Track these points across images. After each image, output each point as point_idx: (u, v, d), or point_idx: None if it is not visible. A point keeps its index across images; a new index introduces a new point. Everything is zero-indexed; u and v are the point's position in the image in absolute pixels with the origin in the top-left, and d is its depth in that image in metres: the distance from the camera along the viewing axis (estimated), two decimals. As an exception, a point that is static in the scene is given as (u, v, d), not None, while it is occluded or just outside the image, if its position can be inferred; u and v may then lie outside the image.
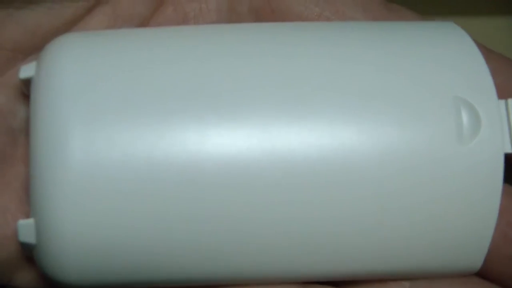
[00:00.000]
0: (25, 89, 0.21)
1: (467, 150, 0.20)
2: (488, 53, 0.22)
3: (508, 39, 0.32)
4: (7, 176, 0.21)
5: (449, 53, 0.21)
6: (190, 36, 0.21)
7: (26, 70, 0.21)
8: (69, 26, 0.22)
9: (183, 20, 0.23)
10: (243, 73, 0.20)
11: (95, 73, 0.20)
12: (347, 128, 0.20)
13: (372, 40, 0.21)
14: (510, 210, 0.21)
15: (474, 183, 0.20)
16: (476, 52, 0.21)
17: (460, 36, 0.21)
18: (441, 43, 0.21)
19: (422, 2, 0.29)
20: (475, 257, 0.21)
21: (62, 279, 0.20)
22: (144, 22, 0.23)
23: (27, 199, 0.21)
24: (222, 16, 0.23)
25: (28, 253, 0.21)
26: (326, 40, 0.21)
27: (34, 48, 0.21)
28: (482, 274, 0.22)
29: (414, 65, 0.20)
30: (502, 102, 0.21)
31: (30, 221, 0.20)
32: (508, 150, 0.20)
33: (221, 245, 0.20)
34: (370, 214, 0.20)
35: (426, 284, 0.22)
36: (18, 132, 0.22)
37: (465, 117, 0.20)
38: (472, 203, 0.20)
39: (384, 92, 0.20)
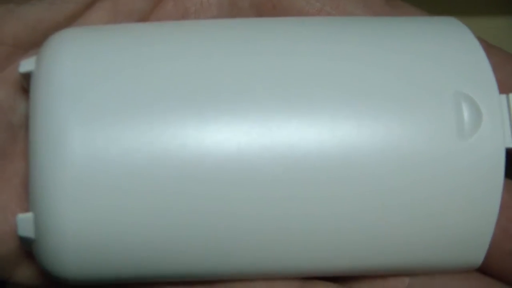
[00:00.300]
0: (25, 83, 0.21)
1: (468, 145, 0.20)
2: (489, 48, 0.22)
3: (508, 39, 0.32)
4: (7, 172, 0.21)
5: (450, 48, 0.21)
6: (190, 31, 0.21)
7: (26, 64, 0.21)
8: (69, 21, 0.22)
9: (183, 15, 0.23)
10: (243, 68, 0.20)
11: (95, 68, 0.20)
12: (347, 123, 0.20)
13: (373, 35, 0.21)
14: (510, 205, 0.21)
15: (475, 178, 0.20)
16: (477, 46, 0.21)
17: (461, 31, 0.21)
18: (442, 38, 0.21)
19: (422, 2, 0.29)
20: (476, 253, 0.21)
21: (60, 274, 0.20)
22: (144, 17, 0.23)
23: (26, 196, 0.20)
24: (223, 11, 0.23)
25: (28, 248, 0.20)
26: (327, 35, 0.21)
27: (34, 43, 0.21)
28: (483, 269, 0.22)
29: (415, 60, 0.20)
30: (503, 96, 0.21)
31: (29, 215, 0.20)
32: (509, 145, 0.20)
33: (221, 240, 0.20)
34: (370, 210, 0.20)
35: (427, 279, 0.22)
36: (18, 127, 0.22)
37: (466, 112, 0.20)
38: (473, 198, 0.20)
39: (384, 87, 0.20)
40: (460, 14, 0.31)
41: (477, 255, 0.21)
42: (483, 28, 0.31)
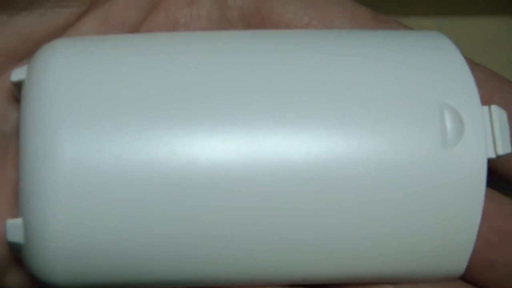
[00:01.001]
0: (17, 93, 0.21)
1: (451, 155, 0.20)
2: (474, 65, 0.22)
3: (508, 39, 0.32)
4: None
5: (434, 60, 0.21)
6: (180, 43, 0.21)
7: (18, 73, 0.21)
8: (61, 31, 0.22)
9: (174, 26, 0.23)
10: (231, 78, 0.20)
11: (85, 77, 0.20)
12: (333, 133, 0.20)
13: (359, 47, 0.21)
14: (492, 214, 0.22)
15: (458, 187, 0.20)
16: (461, 60, 0.21)
17: (445, 44, 0.22)
18: (427, 51, 0.21)
19: (422, 2, 0.29)
20: (459, 262, 0.21)
21: (48, 279, 0.20)
22: (135, 28, 0.23)
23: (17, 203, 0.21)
24: (212, 23, 0.23)
25: (17, 254, 0.21)
26: (314, 47, 0.21)
27: (27, 53, 0.22)
28: (466, 279, 0.22)
29: (399, 71, 0.21)
30: (486, 108, 0.21)
31: (18, 220, 0.20)
32: (491, 155, 0.21)
33: (207, 248, 0.20)
34: (355, 219, 0.20)
35: (410, 287, 0.22)
36: (10, 136, 0.22)
37: (449, 123, 0.20)
38: (456, 207, 0.20)
39: (369, 98, 0.20)
40: (460, 14, 0.32)
41: (460, 264, 0.21)
42: (483, 28, 0.31)
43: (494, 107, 0.21)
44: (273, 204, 0.20)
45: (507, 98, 0.22)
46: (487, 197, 0.20)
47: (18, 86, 0.21)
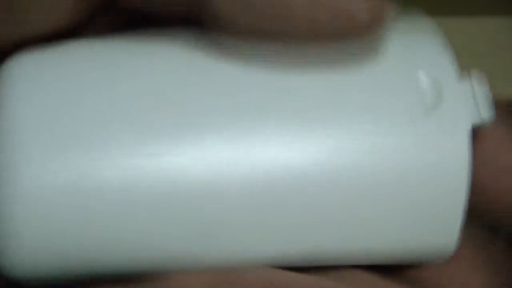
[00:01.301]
0: None
1: (432, 123, 0.20)
2: None
3: (508, 39, 0.32)
4: None
5: (411, 32, 0.21)
6: (148, 49, 0.21)
7: None
8: None
9: None
10: (187, 86, 0.20)
11: (49, 91, 0.20)
12: (311, 136, 0.20)
13: None
14: None
15: (442, 155, 0.20)
16: (437, 30, 0.21)
17: (422, 16, 0.22)
18: (403, 21, 0.22)
19: (422, 2, 0.29)
20: (448, 236, 0.21)
21: (13, 275, 0.20)
22: None
23: None
24: None
25: None
26: None
27: None
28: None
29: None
30: (466, 77, 0.21)
31: None
32: (476, 120, 0.21)
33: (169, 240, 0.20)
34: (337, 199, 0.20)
35: None
36: None
37: (428, 92, 0.20)
38: (440, 181, 0.20)
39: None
40: (460, 14, 0.32)
41: (450, 238, 0.21)
42: (483, 28, 0.31)
43: (474, 77, 0.21)
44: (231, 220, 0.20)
45: None
46: None
47: None
